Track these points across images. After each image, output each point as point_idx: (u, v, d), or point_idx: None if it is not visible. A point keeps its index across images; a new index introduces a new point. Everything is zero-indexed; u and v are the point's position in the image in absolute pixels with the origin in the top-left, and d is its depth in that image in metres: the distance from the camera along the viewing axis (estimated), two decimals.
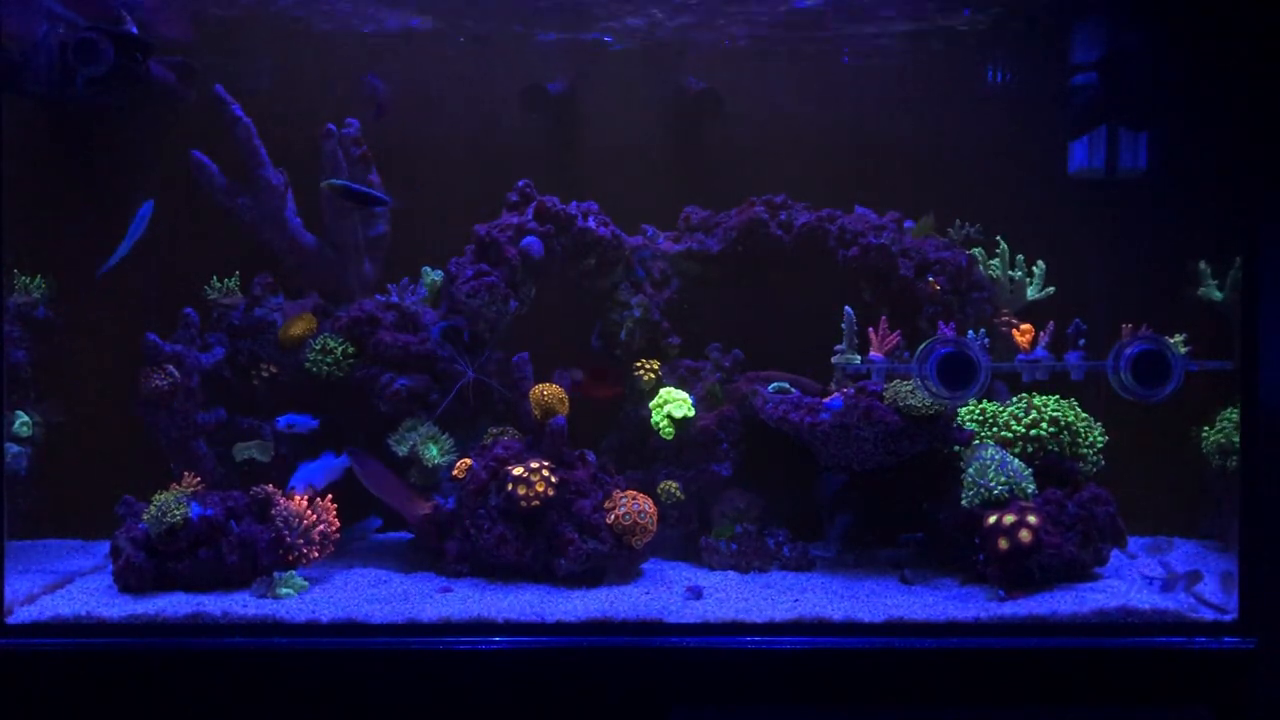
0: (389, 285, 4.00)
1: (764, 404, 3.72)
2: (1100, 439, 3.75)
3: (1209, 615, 3.13)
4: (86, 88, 3.69)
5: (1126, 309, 3.45)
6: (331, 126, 3.99)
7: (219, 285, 3.99)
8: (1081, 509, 3.44)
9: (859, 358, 3.61)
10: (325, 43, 4.26)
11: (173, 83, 4.05)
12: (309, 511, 3.42)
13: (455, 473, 3.61)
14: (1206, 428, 3.91)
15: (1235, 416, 3.69)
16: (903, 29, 4.24)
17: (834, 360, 3.69)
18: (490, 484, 3.52)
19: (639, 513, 3.49)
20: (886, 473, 3.65)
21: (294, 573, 3.34)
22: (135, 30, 3.78)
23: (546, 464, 3.50)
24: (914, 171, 4.25)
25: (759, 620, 3.10)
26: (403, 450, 3.67)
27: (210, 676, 3.00)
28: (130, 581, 3.28)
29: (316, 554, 3.41)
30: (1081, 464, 3.68)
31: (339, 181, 3.88)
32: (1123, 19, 4.14)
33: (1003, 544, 3.25)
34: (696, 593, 3.32)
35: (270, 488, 3.46)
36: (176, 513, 3.29)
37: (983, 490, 3.41)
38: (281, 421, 3.72)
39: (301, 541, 3.37)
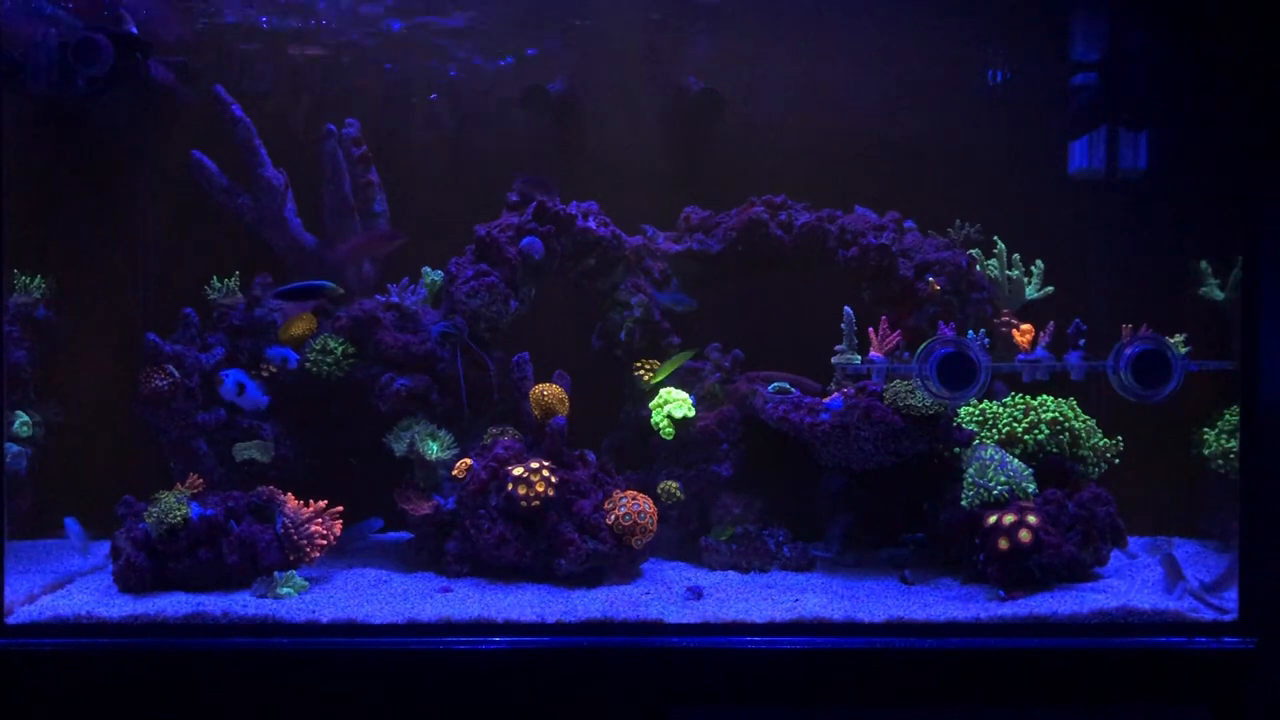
0: (389, 285, 4.00)
1: (764, 404, 3.72)
2: (1107, 446, 3.73)
3: (1209, 615, 3.13)
4: (86, 88, 3.69)
5: (1126, 309, 3.45)
6: (331, 126, 4.00)
7: (219, 285, 3.99)
8: (1081, 509, 3.44)
9: (859, 358, 3.61)
10: (324, 43, 4.27)
11: (173, 83, 4.05)
12: (311, 513, 3.42)
13: (455, 473, 3.61)
14: (1206, 429, 3.91)
15: (1236, 418, 3.69)
16: (903, 29, 4.24)
17: (834, 360, 3.68)
18: (490, 484, 3.52)
19: (639, 513, 3.49)
20: (886, 473, 3.65)
21: (294, 572, 3.34)
22: (135, 30, 3.79)
23: (546, 464, 3.50)
24: (914, 172, 4.25)
25: (759, 620, 3.10)
26: (400, 448, 3.66)
27: (210, 676, 3.00)
28: (130, 581, 3.28)
29: (317, 554, 3.41)
30: (1081, 465, 3.68)
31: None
32: (1123, 18, 4.14)
33: (1003, 544, 3.25)
34: (697, 593, 3.32)
35: (271, 488, 3.46)
36: (177, 513, 3.30)
37: (983, 490, 3.41)
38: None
39: (304, 541, 3.37)
